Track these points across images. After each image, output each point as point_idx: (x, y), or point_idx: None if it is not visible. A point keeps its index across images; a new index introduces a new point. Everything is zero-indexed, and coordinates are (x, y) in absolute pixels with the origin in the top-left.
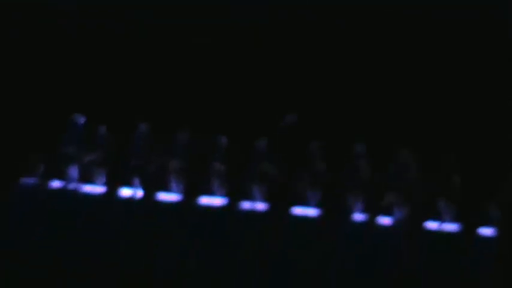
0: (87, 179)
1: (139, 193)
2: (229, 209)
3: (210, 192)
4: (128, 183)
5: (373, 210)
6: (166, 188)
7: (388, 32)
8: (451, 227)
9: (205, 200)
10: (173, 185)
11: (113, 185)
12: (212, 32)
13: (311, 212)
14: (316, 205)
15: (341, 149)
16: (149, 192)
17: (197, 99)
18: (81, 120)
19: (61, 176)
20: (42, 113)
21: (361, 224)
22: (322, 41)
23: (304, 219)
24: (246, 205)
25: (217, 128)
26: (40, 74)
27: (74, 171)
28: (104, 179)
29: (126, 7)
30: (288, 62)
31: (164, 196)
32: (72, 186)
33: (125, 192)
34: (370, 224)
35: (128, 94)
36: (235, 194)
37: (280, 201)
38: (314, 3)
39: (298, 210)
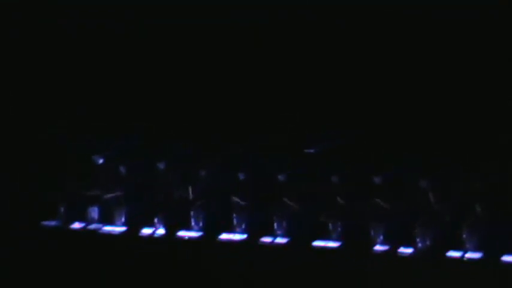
0: (108, 219)
1: (161, 231)
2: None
3: (230, 228)
4: (149, 222)
5: (395, 241)
6: (187, 225)
7: (388, 31)
8: (474, 255)
9: (225, 236)
10: (193, 221)
11: (133, 224)
12: (212, 32)
13: (332, 244)
14: (337, 237)
15: (358, 180)
16: (170, 229)
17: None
18: (99, 160)
19: (82, 217)
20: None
21: (382, 255)
22: (322, 41)
23: (326, 251)
24: (266, 240)
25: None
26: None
27: (94, 211)
28: (123, 219)
29: (126, 7)
30: (288, 62)
31: (184, 233)
32: (93, 226)
33: (146, 231)
34: (391, 254)
35: (129, 96)
36: (256, 229)
37: (302, 235)
38: (314, 3)
39: (320, 243)
